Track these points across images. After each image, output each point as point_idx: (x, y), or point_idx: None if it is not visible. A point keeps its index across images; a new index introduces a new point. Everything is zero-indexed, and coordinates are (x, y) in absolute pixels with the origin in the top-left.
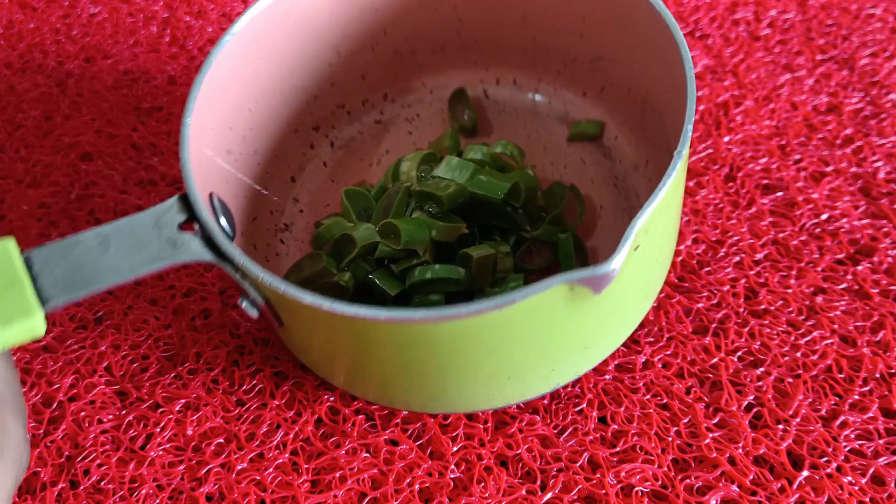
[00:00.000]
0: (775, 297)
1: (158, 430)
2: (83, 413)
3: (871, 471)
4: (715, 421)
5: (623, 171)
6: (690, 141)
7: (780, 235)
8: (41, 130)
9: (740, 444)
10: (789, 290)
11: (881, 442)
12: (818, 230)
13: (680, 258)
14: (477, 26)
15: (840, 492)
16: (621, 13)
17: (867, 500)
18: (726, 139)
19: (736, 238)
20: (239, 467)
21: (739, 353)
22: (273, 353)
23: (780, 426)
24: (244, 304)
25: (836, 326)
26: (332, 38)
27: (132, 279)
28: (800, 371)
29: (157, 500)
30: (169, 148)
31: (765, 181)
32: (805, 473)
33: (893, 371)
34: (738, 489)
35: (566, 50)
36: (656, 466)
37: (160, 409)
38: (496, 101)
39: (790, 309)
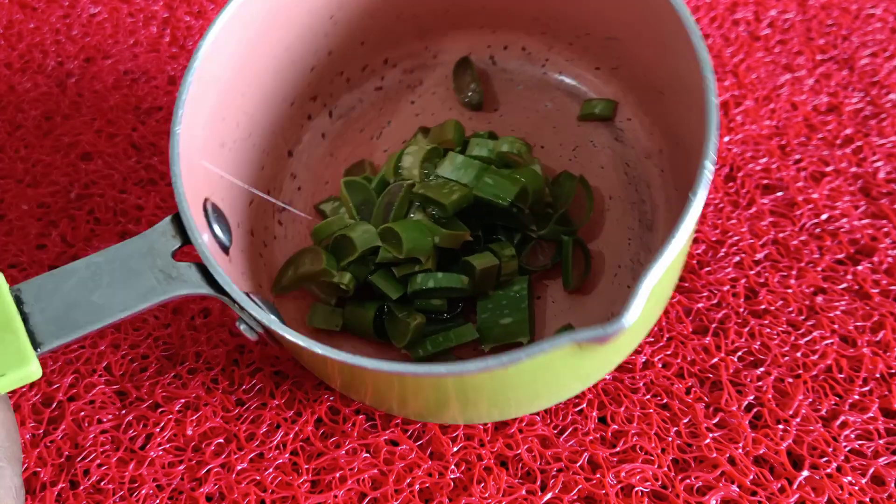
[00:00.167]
0: (775, 297)
1: (158, 429)
2: (83, 413)
3: (871, 471)
4: (715, 421)
5: (635, 157)
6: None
7: (780, 235)
8: (41, 130)
9: (740, 444)
10: (789, 290)
11: (881, 442)
12: (818, 230)
13: None
14: None
15: (840, 492)
16: (644, 12)
17: (867, 500)
18: (726, 139)
19: (736, 238)
20: (239, 467)
21: (739, 353)
22: (273, 353)
23: (780, 426)
24: (242, 328)
25: (836, 326)
26: (328, 8)
27: (126, 317)
28: (800, 371)
29: (157, 501)
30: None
31: (765, 181)
32: (805, 473)
33: (893, 371)
34: (738, 489)
35: (579, 23)
36: (656, 466)
37: (160, 409)
38: (504, 70)
39: (790, 309)
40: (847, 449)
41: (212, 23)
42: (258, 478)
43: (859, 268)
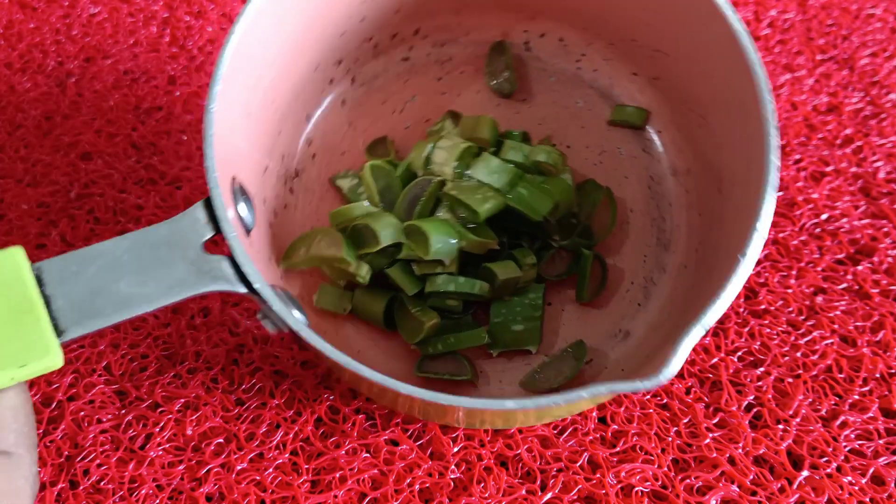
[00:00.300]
0: (775, 297)
1: (158, 429)
2: (82, 413)
3: (871, 471)
4: (715, 421)
5: (661, 172)
6: None
7: (780, 235)
8: (41, 130)
9: (740, 444)
10: (789, 290)
11: (881, 442)
12: (818, 230)
13: None
14: None
15: (840, 492)
16: (708, 43)
17: (867, 500)
18: None
19: None
20: (239, 467)
21: (739, 353)
22: (272, 352)
23: (780, 426)
24: (264, 321)
25: (836, 326)
26: None
27: (152, 310)
28: (800, 371)
29: (157, 500)
30: (169, 147)
31: None
32: (805, 473)
33: (893, 371)
34: (738, 489)
35: (627, 28)
36: (656, 466)
37: (160, 409)
38: (537, 59)
39: (790, 309)
40: (847, 449)
41: None
42: (258, 478)
43: (859, 268)
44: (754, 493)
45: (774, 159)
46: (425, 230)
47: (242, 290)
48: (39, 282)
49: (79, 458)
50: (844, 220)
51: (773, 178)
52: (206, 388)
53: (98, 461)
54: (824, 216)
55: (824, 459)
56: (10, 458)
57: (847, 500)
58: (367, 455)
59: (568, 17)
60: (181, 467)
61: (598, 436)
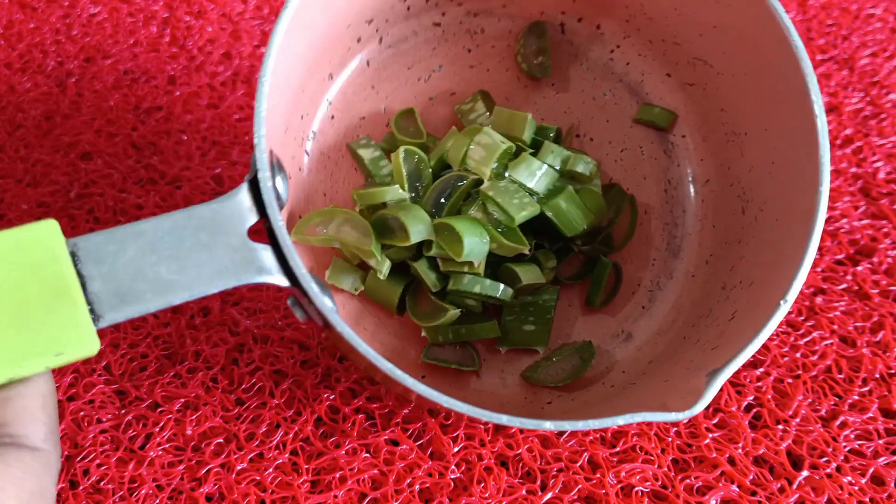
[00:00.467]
0: None
1: (158, 429)
2: (82, 412)
3: (871, 471)
4: (715, 421)
5: (679, 176)
6: None
7: None
8: (41, 130)
9: (740, 444)
10: None
11: (881, 442)
12: None
13: None
14: None
15: (840, 492)
16: (765, 68)
17: (867, 500)
18: None
19: None
20: (239, 467)
21: None
22: (273, 351)
23: (780, 426)
24: (294, 307)
25: (835, 327)
26: None
27: (192, 298)
28: (799, 371)
29: (157, 501)
30: (168, 147)
31: None
32: (805, 473)
33: (893, 371)
34: (737, 489)
35: (675, 32)
36: (656, 466)
37: (159, 409)
38: (571, 43)
39: (790, 309)
40: (847, 449)
41: None
42: (258, 478)
43: (859, 268)
44: (754, 494)
45: (822, 210)
46: (459, 230)
47: (284, 283)
48: (74, 260)
49: (79, 458)
50: (844, 220)
51: (819, 228)
52: (205, 387)
53: (98, 461)
54: None
55: (824, 459)
56: (39, 456)
57: (847, 500)
58: (367, 455)
59: (612, 6)
60: (181, 467)
61: (598, 436)
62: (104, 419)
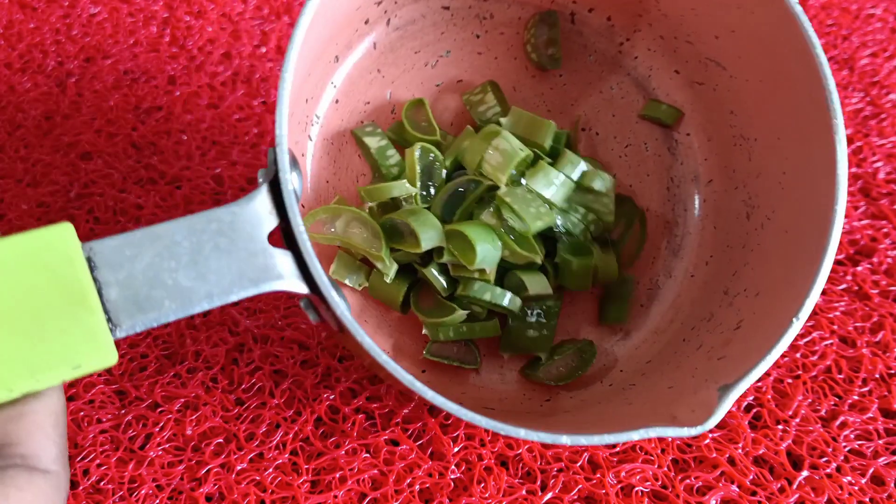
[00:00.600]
0: None
1: (157, 429)
2: (82, 413)
3: (871, 471)
4: None
5: (682, 175)
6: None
7: None
8: (41, 130)
9: (740, 445)
10: None
11: (881, 442)
12: None
13: None
14: None
15: (840, 492)
16: (784, 76)
17: (867, 500)
18: None
19: None
20: (238, 467)
21: None
22: (272, 351)
23: (780, 426)
24: (307, 310)
25: (835, 327)
26: None
27: (211, 307)
28: (799, 371)
29: (157, 501)
30: (168, 147)
31: None
32: (805, 473)
33: (893, 371)
34: (737, 489)
35: (688, 31)
36: (656, 466)
37: (159, 409)
38: (580, 34)
39: None
40: (847, 449)
41: None
42: (258, 478)
43: (859, 268)
44: (754, 494)
45: (837, 229)
46: (471, 237)
47: (303, 289)
48: (90, 265)
49: (78, 458)
50: (844, 220)
51: (833, 247)
52: (205, 387)
53: (98, 461)
54: None
55: (824, 459)
56: (50, 479)
57: (847, 500)
58: (367, 455)
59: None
60: (181, 467)
61: None
62: (104, 419)
